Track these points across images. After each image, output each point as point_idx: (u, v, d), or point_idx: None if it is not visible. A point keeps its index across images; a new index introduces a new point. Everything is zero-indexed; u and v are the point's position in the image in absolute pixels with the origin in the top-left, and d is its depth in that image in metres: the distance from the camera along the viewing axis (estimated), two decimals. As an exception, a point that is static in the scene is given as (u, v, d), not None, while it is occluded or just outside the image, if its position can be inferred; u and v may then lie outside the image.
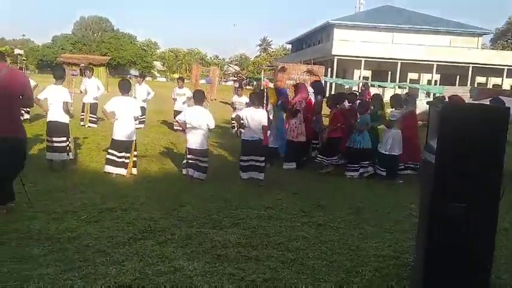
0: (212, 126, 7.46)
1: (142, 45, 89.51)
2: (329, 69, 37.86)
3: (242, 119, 7.47)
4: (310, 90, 9.76)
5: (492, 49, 58.40)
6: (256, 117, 7.42)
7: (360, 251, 4.62)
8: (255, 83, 33.91)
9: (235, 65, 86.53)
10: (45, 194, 6.09)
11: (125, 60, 79.57)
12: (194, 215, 5.54)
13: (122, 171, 7.33)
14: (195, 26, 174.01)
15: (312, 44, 53.11)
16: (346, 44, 40.68)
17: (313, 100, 9.51)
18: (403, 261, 4.40)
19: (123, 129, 7.33)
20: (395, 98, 8.79)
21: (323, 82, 23.43)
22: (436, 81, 41.00)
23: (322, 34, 49.04)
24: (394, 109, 8.49)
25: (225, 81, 62.97)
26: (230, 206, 6.03)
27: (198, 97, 7.62)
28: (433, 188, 3.57)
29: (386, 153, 8.18)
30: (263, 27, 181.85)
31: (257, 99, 7.69)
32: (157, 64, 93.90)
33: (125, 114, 7.35)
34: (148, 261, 4.12)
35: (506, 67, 40.25)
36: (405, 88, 35.08)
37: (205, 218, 5.47)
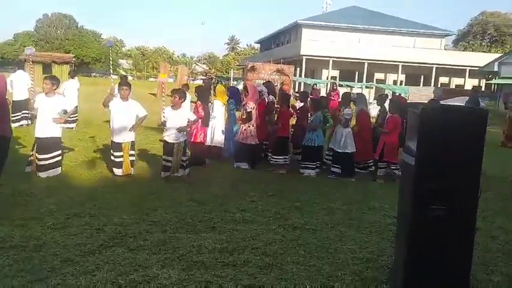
0: (141, 114, 7.35)
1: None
2: (298, 69, 38.11)
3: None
4: (264, 89, 9.72)
5: (455, 50, 60.19)
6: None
7: (338, 254, 4.57)
8: (224, 82, 33.68)
9: (203, 63, 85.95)
10: (8, 198, 5.78)
11: (89, 58, 77.69)
12: (167, 219, 5.37)
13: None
14: (162, 24, 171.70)
15: (280, 43, 53.28)
16: (314, 44, 40.97)
17: (266, 100, 9.46)
18: (380, 264, 4.37)
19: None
20: (344, 97, 8.90)
21: (292, 82, 23.54)
22: (401, 81, 41.88)
23: (290, 34, 49.26)
24: (344, 107, 8.54)
25: (193, 80, 62.36)
26: (204, 209, 5.88)
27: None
28: (414, 190, 3.55)
29: (340, 151, 8.25)
30: (231, 26, 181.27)
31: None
32: (124, 62, 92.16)
33: (43, 112, 7.11)
34: (120, 270, 3.94)
35: (468, 68, 41.49)
36: (372, 88, 35.72)
37: (179, 222, 5.30)
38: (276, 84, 20.29)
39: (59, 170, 7.25)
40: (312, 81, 32.86)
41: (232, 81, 37.75)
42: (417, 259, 3.62)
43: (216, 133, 9.13)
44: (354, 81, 38.85)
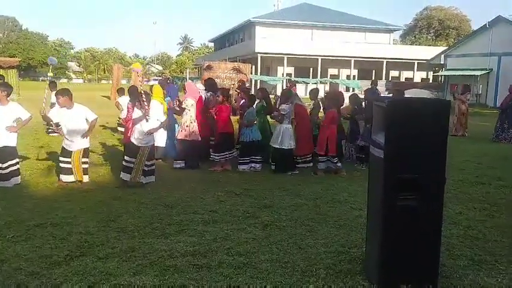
0: (91, 118, 7.13)
1: (55, 45, 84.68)
2: (253, 67, 38.22)
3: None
4: (201, 87, 9.69)
5: (403, 44, 62.24)
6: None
7: (310, 249, 4.60)
8: (179, 82, 33.31)
9: (157, 64, 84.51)
10: (-40, 213, 5.45)
11: (35, 62, 74.73)
12: (134, 225, 5.23)
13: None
14: (112, 24, 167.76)
15: (234, 42, 53.26)
16: (268, 41, 41.23)
17: (203, 97, 9.41)
18: (352, 256, 4.43)
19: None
20: (282, 93, 9.02)
21: (249, 79, 23.50)
22: (354, 76, 42.89)
23: (244, 32, 49.33)
24: (283, 104, 8.60)
25: (147, 81, 61.13)
26: (171, 211, 5.78)
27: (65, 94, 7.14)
28: (384, 182, 3.62)
29: (277, 147, 8.34)
30: (183, 25, 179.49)
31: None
32: (73, 65, 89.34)
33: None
34: (90, 280, 3.80)
35: (416, 61, 43.02)
36: (327, 83, 36.40)
37: (147, 227, 5.18)
38: (233, 83, 20.26)
39: (18, 179, 6.96)
40: (268, 78, 33.07)
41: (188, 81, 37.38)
42: (389, 249, 3.70)
43: (157, 133, 8.94)
44: (308, 77, 39.46)
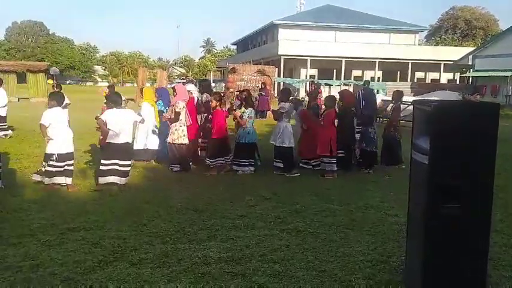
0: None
1: (81, 49, 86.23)
2: (276, 69, 38.13)
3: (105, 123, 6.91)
4: (193, 88, 9.57)
5: (428, 45, 61.14)
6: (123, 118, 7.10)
7: (347, 257, 4.46)
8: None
9: (180, 67, 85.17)
10: (-5, 215, 5.50)
11: (62, 66, 76.24)
12: (166, 230, 5.18)
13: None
14: (136, 28, 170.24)
15: (257, 44, 53.28)
16: (291, 43, 41.08)
17: (196, 99, 9.24)
18: (392, 265, 4.28)
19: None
20: (283, 91, 8.90)
21: (273, 82, 23.35)
22: (378, 77, 42.32)
23: (266, 34, 49.31)
24: (282, 102, 8.50)
25: (171, 84, 61.64)
26: (202, 216, 5.71)
27: (57, 98, 7.10)
28: (428, 189, 3.47)
29: (278, 145, 8.27)
30: (206, 29, 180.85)
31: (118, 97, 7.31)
32: (98, 68, 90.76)
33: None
34: (126, 287, 3.75)
35: (442, 62, 42.21)
36: (350, 85, 36.01)
37: (179, 232, 5.12)
38: (257, 85, 20.18)
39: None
40: (291, 80, 32.92)
41: (211, 84, 37.49)
42: (432, 260, 3.53)
43: (148, 135, 8.92)
44: (332, 79, 39.12)
